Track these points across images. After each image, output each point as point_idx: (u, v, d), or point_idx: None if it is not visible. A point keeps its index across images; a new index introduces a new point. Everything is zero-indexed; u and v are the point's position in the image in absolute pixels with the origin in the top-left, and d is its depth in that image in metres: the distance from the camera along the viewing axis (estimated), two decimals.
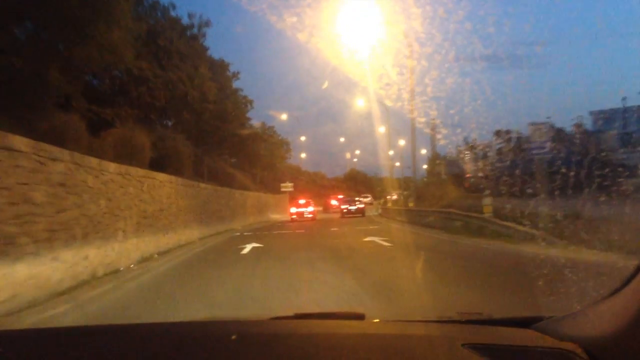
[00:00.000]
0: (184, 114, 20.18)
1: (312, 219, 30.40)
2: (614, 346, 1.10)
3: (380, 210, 41.38)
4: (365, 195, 53.90)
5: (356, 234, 17.21)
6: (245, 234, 19.76)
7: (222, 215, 22.76)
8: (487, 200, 13.16)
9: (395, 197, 43.84)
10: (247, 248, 12.77)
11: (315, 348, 1.36)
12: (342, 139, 76.38)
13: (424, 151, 55.84)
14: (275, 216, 37.43)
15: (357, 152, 79.16)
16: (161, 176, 13.32)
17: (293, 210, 31.46)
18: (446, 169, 31.57)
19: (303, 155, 59.87)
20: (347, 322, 1.77)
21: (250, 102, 31.70)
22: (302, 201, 32.22)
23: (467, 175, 28.23)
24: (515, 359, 1.28)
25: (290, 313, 1.81)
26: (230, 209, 25.02)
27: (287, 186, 43.45)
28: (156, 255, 12.01)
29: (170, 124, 23.59)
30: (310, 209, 31.50)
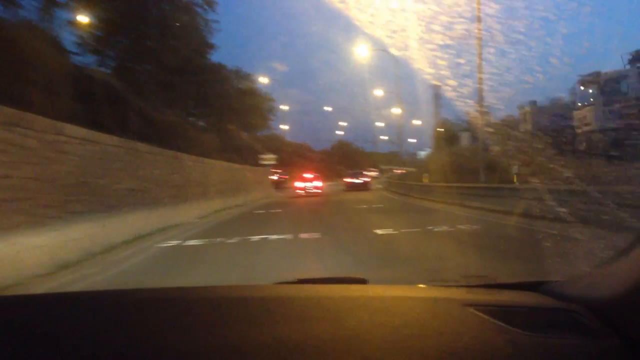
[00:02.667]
0: None
1: (319, 194, 28.72)
2: (619, 307, 1.08)
3: (384, 184, 39.32)
4: (371, 169, 48.98)
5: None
6: (188, 243, 9.13)
7: (153, 200, 12.05)
8: None
9: (403, 171, 40.84)
10: None
11: (317, 310, 1.34)
12: (329, 109, 67.32)
13: (417, 122, 48.06)
14: (256, 195, 27.02)
15: (345, 124, 71.62)
16: None
17: (299, 184, 30.44)
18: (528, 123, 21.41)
19: (284, 127, 50.09)
20: (349, 286, 1.72)
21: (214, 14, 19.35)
22: (308, 175, 30.56)
23: (584, 130, 18.07)
24: (520, 319, 1.19)
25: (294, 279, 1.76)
26: (175, 188, 14.33)
27: (269, 158, 33.94)
28: None
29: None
30: (318, 183, 29.76)
